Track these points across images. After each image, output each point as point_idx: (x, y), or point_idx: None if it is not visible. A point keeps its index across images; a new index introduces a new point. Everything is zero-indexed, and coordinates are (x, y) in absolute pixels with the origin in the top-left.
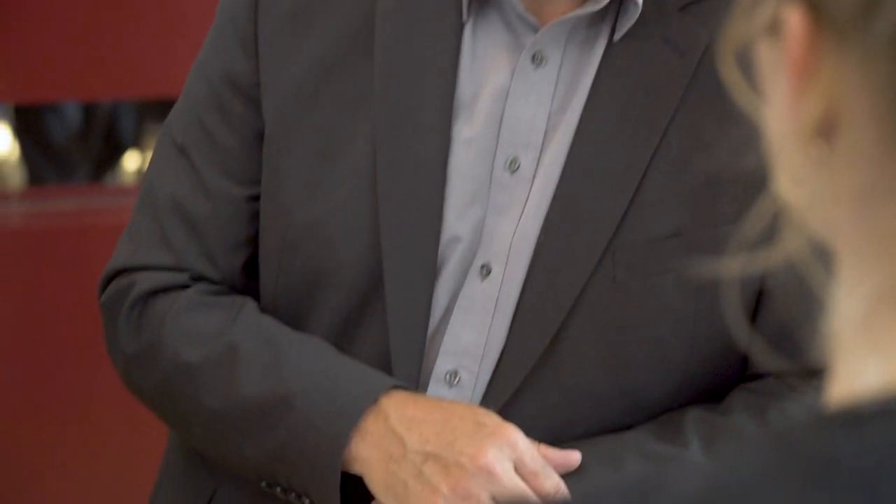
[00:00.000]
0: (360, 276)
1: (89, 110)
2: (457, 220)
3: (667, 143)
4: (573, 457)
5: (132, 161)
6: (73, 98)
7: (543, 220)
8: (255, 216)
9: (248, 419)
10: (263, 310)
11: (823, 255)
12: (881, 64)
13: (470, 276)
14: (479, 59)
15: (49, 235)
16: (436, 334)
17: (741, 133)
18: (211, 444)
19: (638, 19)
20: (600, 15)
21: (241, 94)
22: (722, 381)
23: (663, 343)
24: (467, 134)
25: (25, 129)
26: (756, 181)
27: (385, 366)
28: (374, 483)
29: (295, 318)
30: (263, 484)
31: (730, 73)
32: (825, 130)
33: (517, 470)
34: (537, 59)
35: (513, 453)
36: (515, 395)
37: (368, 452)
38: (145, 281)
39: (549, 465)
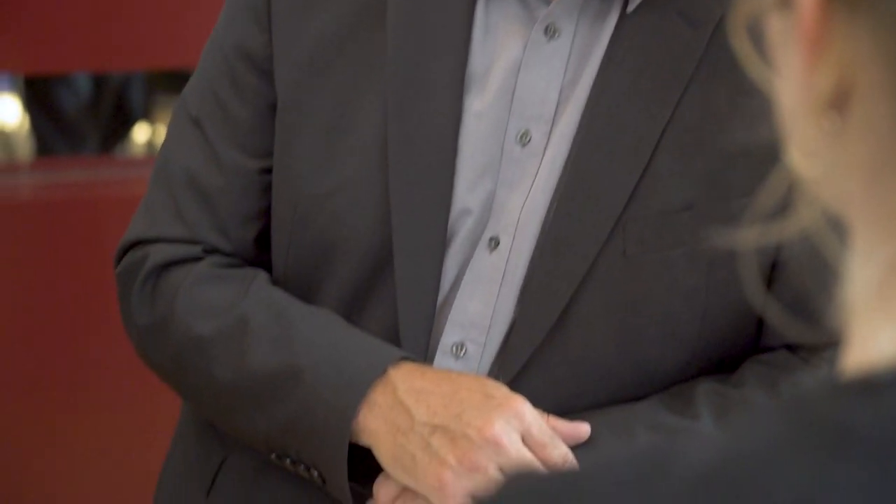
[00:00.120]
0: (370, 249)
1: (99, 82)
2: (467, 193)
3: (679, 116)
4: (582, 429)
5: (142, 133)
6: (83, 69)
7: (553, 194)
8: (267, 189)
9: (258, 392)
10: (275, 282)
11: (838, 226)
12: (893, 35)
13: (478, 249)
14: (492, 32)
15: (58, 207)
16: (444, 306)
17: (754, 106)
18: (222, 415)
19: None
20: None
21: (254, 67)
22: (733, 353)
23: (674, 317)
24: (478, 107)
25: (35, 100)
26: (769, 154)
27: (393, 337)
28: (383, 455)
29: (306, 290)
30: (273, 456)
31: (742, 46)
32: (838, 103)
33: (525, 441)
34: (550, 32)
35: (520, 425)
36: (524, 368)
37: (376, 424)
38: (158, 253)
39: (557, 436)
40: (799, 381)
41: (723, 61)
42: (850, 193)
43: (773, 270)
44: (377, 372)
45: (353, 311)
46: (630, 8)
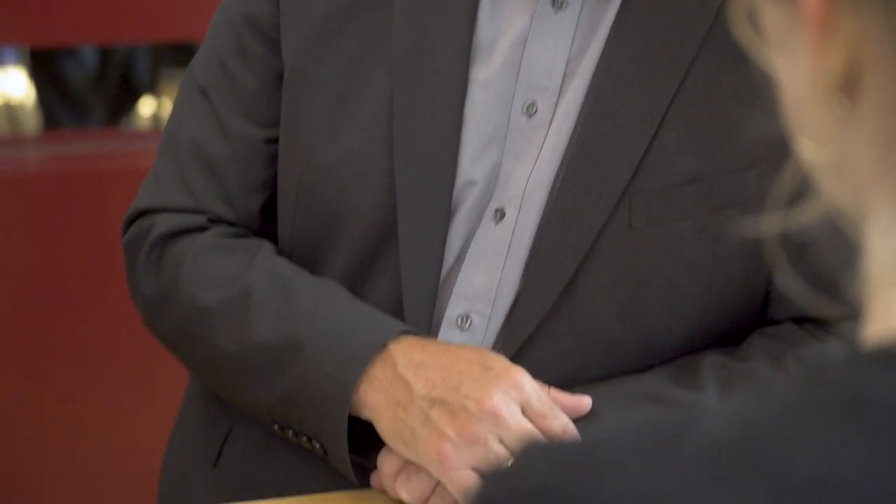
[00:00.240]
0: (375, 219)
1: (105, 55)
2: (472, 164)
3: (686, 89)
4: (583, 401)
5: (147, 106)
6: (89, 42)
7: (559, 165)
8: (273, 158)
9: (260, 363)
10: (280, 252)
11: (855, 205)
12: None
13: (484, 220)
14: (499, 2)
15: (65, 179)
16: (448, 278)
17: (761, 79)
18: (226, 386)
19: None
20: None
21: (261, 36)
22: (738, 326)
23: (679, 289)
24: (485, 77)
25: (41, 73)
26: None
27: (397, 309)
28: (383, 429)
29: (311, 261)
30: (276, 427)
31: (744, 33)
32: (848, 86)
33: (524, 412)
34: (557, 3)
35: (519, 396)
36: (529, 340)
37: (376, 398)
38: (164, 223)
39: (557, 406)
40: (805, 355)
41: (730, 34)
42: (865, 173)
43: (792, 245)
44: (377, 346)
45: (357, 281)
46: None
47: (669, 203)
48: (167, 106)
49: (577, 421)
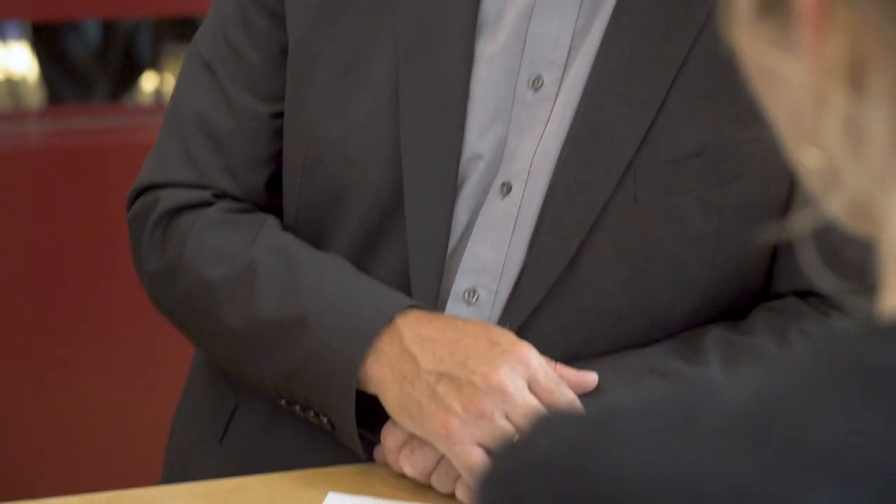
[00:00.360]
0: (381, 193)
1: (108, 29)
2: (478, 138)
3: (691, 63)
4: (589, 377)
5: (150, 80)
6: (91, 16)
7: (565, 139)
8: (278, 133)
9: (266, 338)
10: (286, 227)
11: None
12: None
13: (490, 195)
14: None
15: (67, 154)
16: (455, 252)
17: None
18: (232, 361)
19: None
20: None
21: (265, 10)
22: (743, 300)
23: (684, 263)
24: (490, 51)
25: (44, 47)
26: None
27: (404, 283)
28: (389, 403)
29: (317, 236)
30: (283, 402)
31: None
32: (853, 77)
33: (531, 388)
34: None
35: (526, 371)
36: (534, 313)
37: (383, 373)
38: (169, 198)
39: (563, 382)
40: (808, 329)
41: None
42: (882, 155)
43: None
44: (384, 320)
45: (363, 256)
46: None
47: (674, 176)
48: (170, 81)
49: (583, 396)
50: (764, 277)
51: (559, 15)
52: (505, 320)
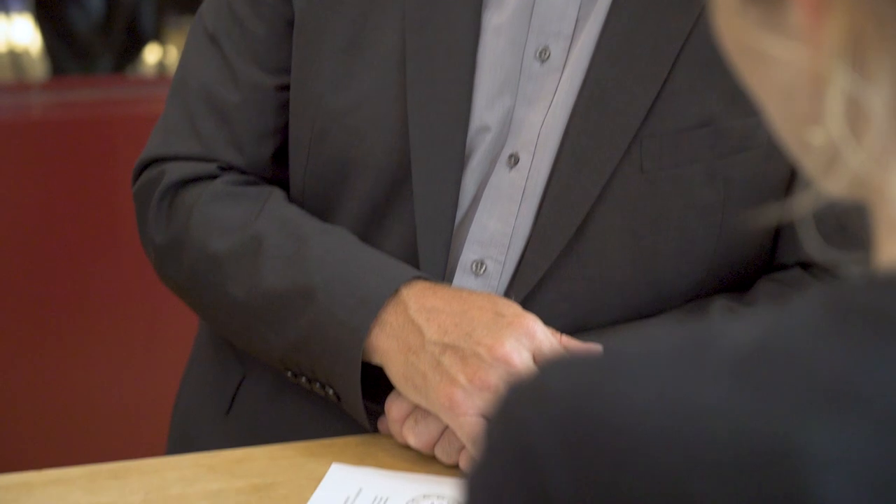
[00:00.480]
0: (388, 165)
1: (111, 2)
2: (485, 110)
3: (698, 33)
4: (594, 349)
5: (153, 53)
6: None
7: (571, 110)
8: (283, 106)
9: (272, 310)
10: (292, 199)
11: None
12: None
13: (498, 166)
14: None
15: (70, 126)
16: (463, 224)
17: None
18: (237, 333)
19: None
20: None
21: None
22: (748, 271)
23: (690, 233)
24: (497, 22)
25: (48, 20)
26: None
27: (412, 255)
28: (394, 374)
29: (323, 208)
30: (289, 374)
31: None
32: (854, 59)
33: (535, 360)
34: None
35: (531, 343)
36: (540, 283)
37: (388, 343)
38: (174, 171)
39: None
40: None
41: None
42: (886, 130)
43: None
44: (389, 291)
45: (371, 228)
46: None
47: (680, 147)
48: (173, 53)
49: None
50: (769, 248)
51: None
52: (512, 291)
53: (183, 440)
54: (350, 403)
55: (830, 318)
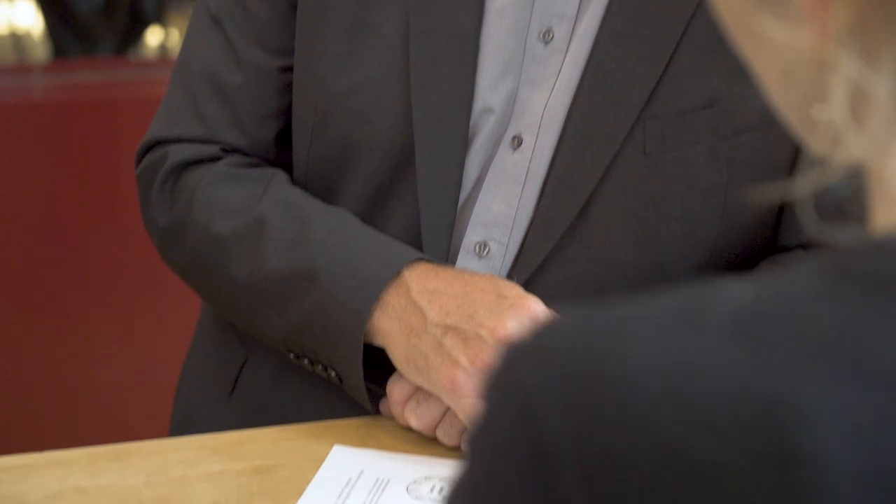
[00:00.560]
0: (392, 147)
1: None
2: (489, 92)
3: (701, 14)
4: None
5: (155, 35)
6: None
7: (575, 91)
8: (286, 88)
9: (274, 292)
10: (296, 181)
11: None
12: None
13: (501, 148)
14: None
15: (72, 108)
16: (466, 206)
17: None
18: (240, 315)
19: None
20: None
21: None
22: (750, 253)
23: (693, 214)
24: (500, 4)
25: (49, 2)
26: None
27: (415, 237)
28: (396, 356)
29: (326, 190)
30: (292, 356)
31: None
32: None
33: None
34: None
35: (533, 325)
36: (542, 265)
37: (390, 325)
38: (177, 153)
39: None
40: None
41: None
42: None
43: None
44: (391, 273)
45: (374, 210)
46: None
47: (684, 128)
48: (175, 35)
49: None
50: (771, 230)
51: None
52: (514, 273)
53: (185, 422)
54: (352, 385)
55: (828, 280)
